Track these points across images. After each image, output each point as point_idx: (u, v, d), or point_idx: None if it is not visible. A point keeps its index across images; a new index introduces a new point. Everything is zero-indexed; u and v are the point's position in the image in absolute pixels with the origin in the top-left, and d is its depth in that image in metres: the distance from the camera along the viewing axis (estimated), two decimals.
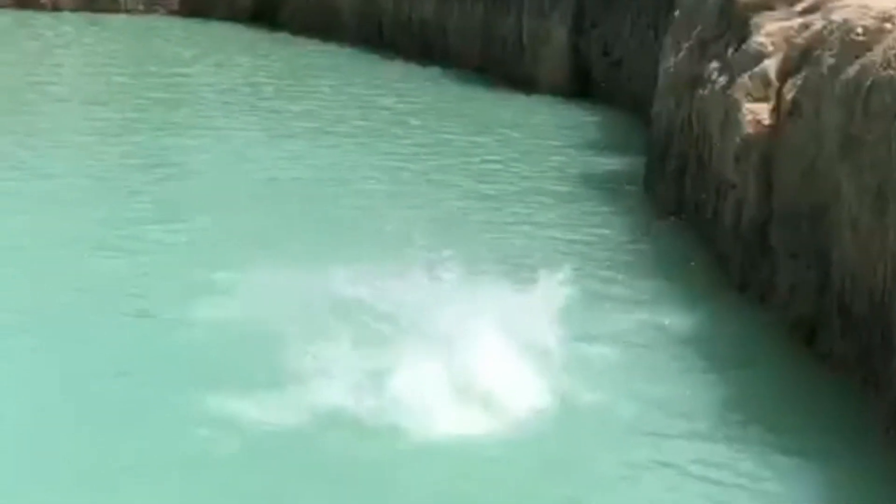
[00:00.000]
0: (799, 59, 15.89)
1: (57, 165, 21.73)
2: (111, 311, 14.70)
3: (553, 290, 14.50)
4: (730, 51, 17.82)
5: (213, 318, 14.20)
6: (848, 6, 15.13)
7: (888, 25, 13.96)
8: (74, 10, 39.47)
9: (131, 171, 21.52)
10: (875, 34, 14.00)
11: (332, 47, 35.19)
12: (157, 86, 29.44)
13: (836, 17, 15.09)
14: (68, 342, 13.81)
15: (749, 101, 16.41)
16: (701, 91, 18.47)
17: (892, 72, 12.97)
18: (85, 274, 16.02)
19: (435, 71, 32.20)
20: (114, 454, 11.29)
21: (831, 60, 14.56)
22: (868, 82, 13.34)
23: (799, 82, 15.55)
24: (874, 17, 14.25)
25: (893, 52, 13.15)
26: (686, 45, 19.91)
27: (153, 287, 15.53)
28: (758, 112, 16.21)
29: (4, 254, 16.67)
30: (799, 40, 16.07)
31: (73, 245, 17.16)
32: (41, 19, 38.30)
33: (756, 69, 16.54)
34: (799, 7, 16.82)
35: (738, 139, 16.36)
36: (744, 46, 17.23)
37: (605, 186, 21.61)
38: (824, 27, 15.32)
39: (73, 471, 11.02)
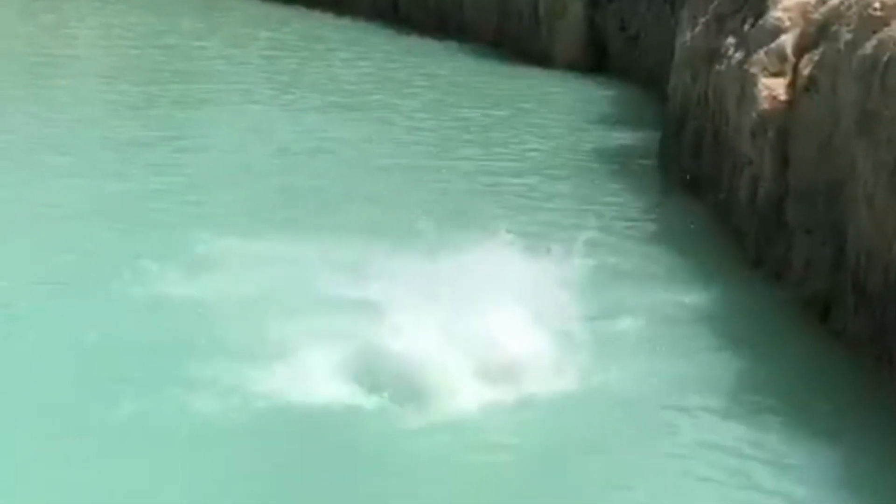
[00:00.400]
0: (816, 34, 15.80)
1: (73, 139, 21.77)
2: (118, 280, 14.67)
3: (567, 264, 14.46)
4: (746, 26, 17.73)
5: (218, 289, 14.22)
6: None
7: None
8: None
9: (147, 145, 21.54)
10: (893, 9, 13.91)
11: (346, 21, 35.06)
12: (173, 59, 29.45)
13: None
14: (75, 310, 13.89)
15: (765, 77, 16.33)
16: (717, 66, 18.39)
17: None
18: (100, 244, 16.10)
19: (450, 45, 32.08)
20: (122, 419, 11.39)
21: (848, 36, 14.46)
22: (885, 58, 13.26)
23: (816, 58, 15.46)
24: None
25: None
26: (703, 19, 19.81)
27: (165, 257, 15.53)
28: (774, 87, 16.14)
29: (22, 224, 16.79)
30: (816, 15, 15.98)
31: (88, 217, 17.25)
32: None
33: (773, 44, 16.46)
34: None
35: (754, 114, 16.30)
36: (760, 21, 17.14)
37: (620, 161, 21.54)
38: (842, 2, 15.22)
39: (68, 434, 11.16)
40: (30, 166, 19.78)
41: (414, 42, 32.75)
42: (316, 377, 12.14)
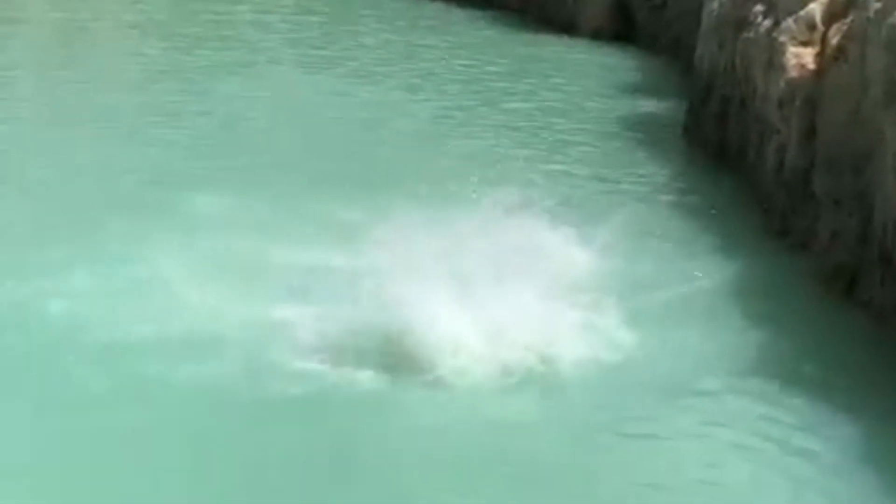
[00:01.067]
0: (845, 2, 15.65)
1: (101, 104, 21.86)
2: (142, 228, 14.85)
3: (591, 232, 14.41)
4: None
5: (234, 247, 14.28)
6: None
7: None
8: None
9: (174, 110, 21.58)
10: None
11: None
12: (200, 24, 29.42)
13: None
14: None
15: (794, 45, 16.20)
16: (745, 34, 18.26)
17: None
18: (129, 201, 16.27)
19: (476, 13, 32.00)
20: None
21: (878, 5, 14.32)
22: None
23: (844, 26, 15.33)
24: None
25: None
26: None
27: (192, 218, 15.59)
28: (802, 56, 16.01)
29: (57, 183, 17.04)
30: None
31: (118, 176, 17.46)
32: None
33: (802, 12, 16.32)
34: None
35: (781, 83, 16.18)
36: None
37: (646, 130, 21.46)
38: None
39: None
40: (64, 130, 19.93)
41: (439, 9, 32.67)
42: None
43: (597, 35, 29.30)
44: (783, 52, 16.21)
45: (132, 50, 26.83)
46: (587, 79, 25.62)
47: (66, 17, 29.68)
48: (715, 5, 20.29)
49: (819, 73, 15.66)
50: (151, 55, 26.10)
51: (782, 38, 16.41)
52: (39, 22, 29.29)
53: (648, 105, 23.26)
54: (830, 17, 15.88)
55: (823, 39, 15.81)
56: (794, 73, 15.94)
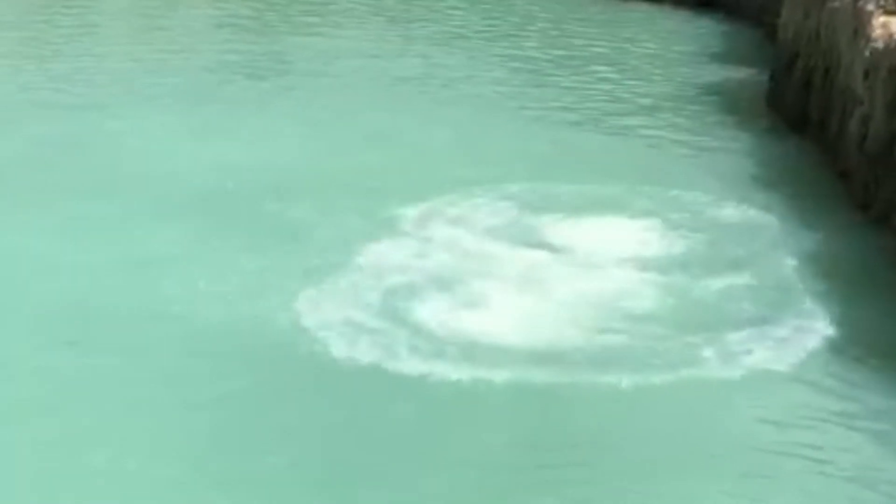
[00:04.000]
0: None
1: (182, 64, 22.13)
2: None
3: (673, 199, 14.41)
4: None
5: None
6: None
7: None
8: None
9: (260, 69, 21.90)
10: None
11: None
12: None
13: None
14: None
15: (881, 14, 15.92)
16: (831, 3, 17.96)
17: None
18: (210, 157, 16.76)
19: None
20: None
21: None
22: None
23: None
24: None
25: None
26: None
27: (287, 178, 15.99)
28: (889, 25, 15.73)
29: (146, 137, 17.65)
30: None
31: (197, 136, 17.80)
32: None
33: None
34: None
35: (867, 53, 15.90)
36: None
37: (728, 97, 21.26)
38: None
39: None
40: (141, 92, 20.26)
41: None
42: None
43: (681, 2, 29.03)
44: (869, 21, 15.94)
45: (211, 14, 26.97)
46: (670, 45, 25.44)
47: None
48: None
49: None
50: (235, 13, 26.22)
51: (869, 7, 16.14)
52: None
53: (731, 72, 23.03)
54: None
55: None
56: (879, 43, 15.66)
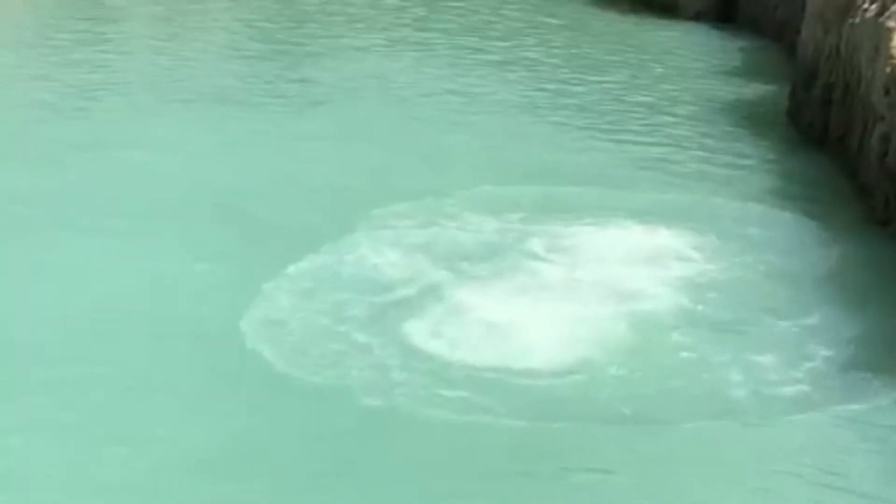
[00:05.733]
0: None
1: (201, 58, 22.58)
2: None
3: (692, 211, 14.48)
4: None
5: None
6: None
7: None
8: None
9: (281, 76, 22.19)
10: None
11: None
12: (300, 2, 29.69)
13: None
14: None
15: None
16: (851, 19, 18.03)
17: None
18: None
19: None
20: None
21: None
22: None
23: None
24: None
25: None
26: None
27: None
28: None
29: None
30: None
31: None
32: None
33: None
34: None
35: (888, 70, 15.97)
36: None
37: (748, 112, 21.31)
38: None
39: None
40: (163, 102, 20.55)
41: None
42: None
43: (699, 17, 29.08)
44: (890, 38, 16.00)
45: (230, 28, 27.17)
46: (689, 60, 25.46)
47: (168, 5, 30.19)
48: None
49: None
50: (248, 36, 26.42)
51: (889, 24, 16.20)
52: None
53: (751, 88, 23.07)
54: None
55: None
56: None
